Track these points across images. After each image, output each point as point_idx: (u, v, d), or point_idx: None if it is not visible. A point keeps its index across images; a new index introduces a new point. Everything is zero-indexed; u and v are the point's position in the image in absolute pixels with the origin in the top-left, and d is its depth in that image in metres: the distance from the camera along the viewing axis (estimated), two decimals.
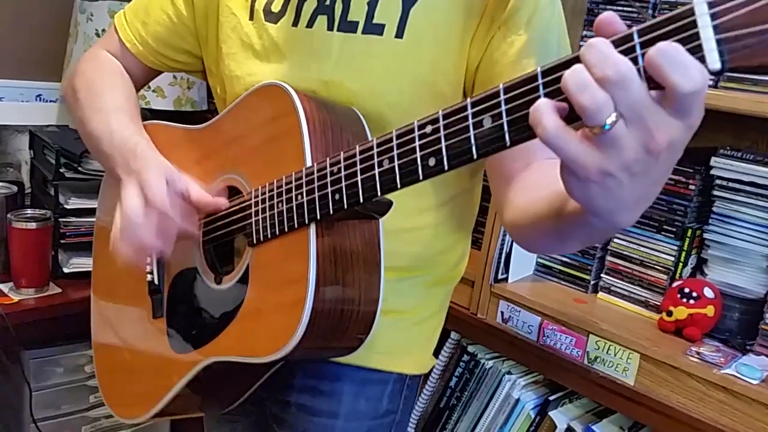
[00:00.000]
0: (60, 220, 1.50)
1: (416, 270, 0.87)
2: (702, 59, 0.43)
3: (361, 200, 0.65)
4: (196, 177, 0.85)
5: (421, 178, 0.60)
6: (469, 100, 0.55)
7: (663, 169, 0.48)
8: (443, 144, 0.57)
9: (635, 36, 0.45)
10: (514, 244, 1.35)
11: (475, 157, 0.55)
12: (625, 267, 1.30)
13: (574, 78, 0.45)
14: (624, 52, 0.45)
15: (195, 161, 0.89)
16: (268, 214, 0.75)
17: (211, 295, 0.84)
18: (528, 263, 1.43)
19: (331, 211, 0.68)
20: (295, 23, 0.82)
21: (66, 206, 1.51)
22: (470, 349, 1.42)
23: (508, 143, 0.52)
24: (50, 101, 1.78)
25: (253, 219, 0.77)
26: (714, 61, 0.42)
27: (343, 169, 0.67)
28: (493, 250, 1.34)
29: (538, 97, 0.49)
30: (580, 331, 1.22)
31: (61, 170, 1.51)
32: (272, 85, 0.77)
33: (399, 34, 0.78)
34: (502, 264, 1.35)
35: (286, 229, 0.72)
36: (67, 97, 0.99)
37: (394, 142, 0.62)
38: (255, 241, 0.77)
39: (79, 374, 1.61)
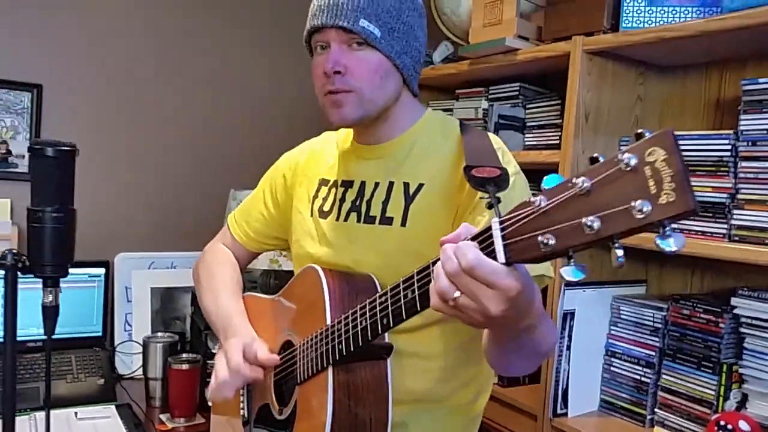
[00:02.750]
0: (208, 362, 1.89)
1: (430, 402, 1.08)
2: (495, 256, 0.66)
3: (352, 350, 0.92)
4: (269, 334, 1.17)
5: (380, 332, 0.86)
6: (401, 280, 0.82)
7: (515, 314, 0.69)
8: (390, 309, 0.84)
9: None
10: (570, 379, 1.49)
11: (404, 317, 0.82)
12: (675, 401, 1.38)
13: (435, 270, 0.71)
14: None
15: (269, 322, 1.22)
16: (304, 361, 1.03)
17: (276, 423, 1.12)
18: (592, 399, 1.54)
19: (338, 358, 0.94)
20: (337, 218, 1.14)
21: (213, 351, 1.90)
22: None
23: (419, 308, 0.78)
24: None
25: (297, 365, 1.06)
26: (502, 258, 0.66)
27: (342, 328, 0.94)
28: (550, 385, 1.49)
29: (429, 280, 0.75)
30: None
31: None
32: (311, 267, 1.08)
33: (403, 223, 1.06)
34: (560, 399, 1.49)
35: (314, 372, 1.00)
36: (194, 278, 1.40)
37: (367, 308, 0.89)
38: (299, 381, 1.05)
39: None
